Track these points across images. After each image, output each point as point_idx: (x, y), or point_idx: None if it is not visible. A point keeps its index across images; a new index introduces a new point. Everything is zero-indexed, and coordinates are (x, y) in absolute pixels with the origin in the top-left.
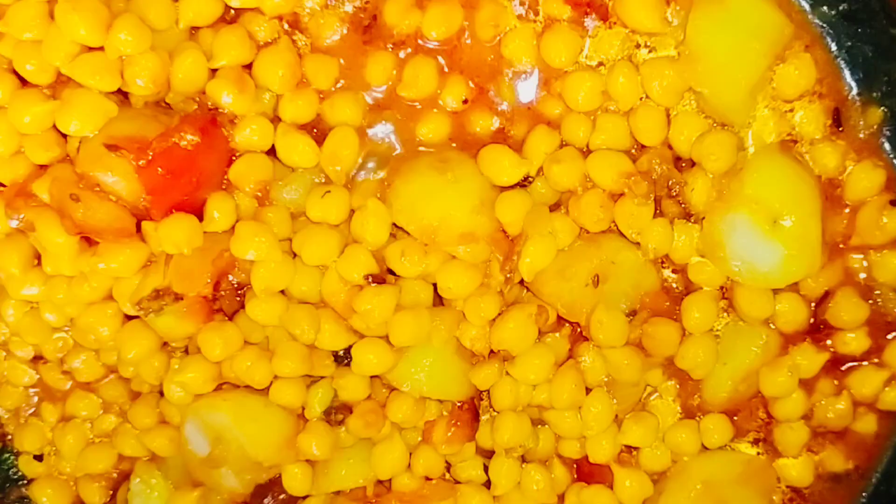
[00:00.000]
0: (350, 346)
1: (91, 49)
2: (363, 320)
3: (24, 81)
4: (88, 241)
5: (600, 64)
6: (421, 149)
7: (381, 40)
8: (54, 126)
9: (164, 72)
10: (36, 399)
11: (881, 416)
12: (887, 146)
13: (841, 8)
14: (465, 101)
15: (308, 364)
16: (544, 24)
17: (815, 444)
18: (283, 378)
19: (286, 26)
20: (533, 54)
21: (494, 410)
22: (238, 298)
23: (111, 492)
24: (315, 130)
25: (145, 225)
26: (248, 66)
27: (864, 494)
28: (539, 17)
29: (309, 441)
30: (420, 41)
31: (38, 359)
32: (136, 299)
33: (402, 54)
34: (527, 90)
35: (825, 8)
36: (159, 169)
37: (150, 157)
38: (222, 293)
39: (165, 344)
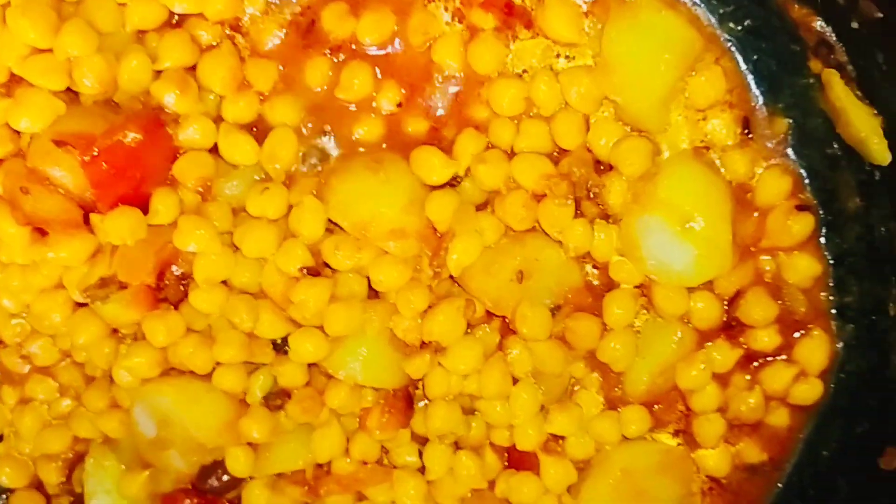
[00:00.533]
0: (288, 335)
1: (41, 51)
2: (299, 310)
3: None
4: (41, 231)
5: (524, 71)
6: (358, 149)
7: (318, 45)
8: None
9: (110, 72)
10: None
11: (793, 410)
12: (793, 154)
13: (746, 24)
14: (399, 105)
15: (247, 351)
16: (470, 32)
17: (731, 436)
18: (225, 364)
19: (228, 31)
20: (461, 61)
21: (428, 399)
22: (182, 288)
23: (67, 472)
24: (256, 130)
25: (93, 217)
26: (193, 69)
27: (778, 484)
28: (465, 26)
29: (250, 425)
30: (355, 46)
31: None
32: (83, 287)
33: (338, 59)
34: (456, 95)
35: (732, 24)
36: (104, 164)
37: (95, 153)
38: (166, 283)
39: (116, 331)
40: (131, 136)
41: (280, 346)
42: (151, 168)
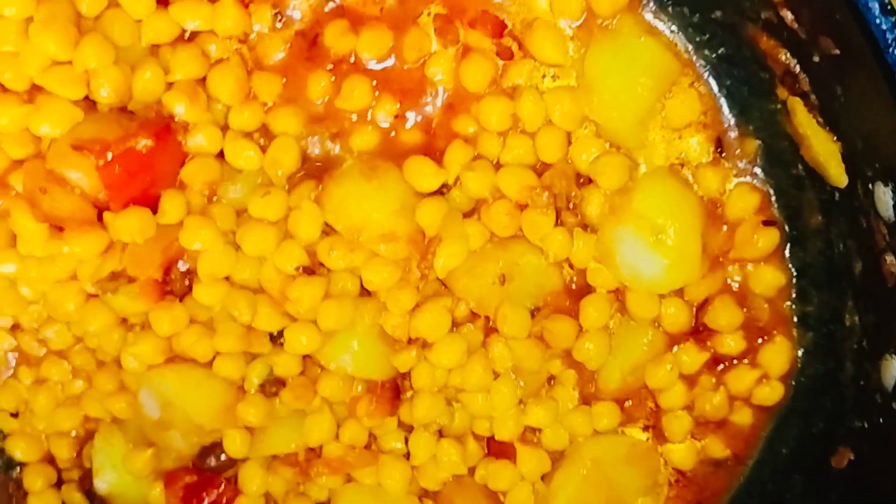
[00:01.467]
0: (284, 328)
1: (61, 63)
2: (295, 306)
3: (2, 87)
4: (58, 227)
5: (513, 88)
6: (354, 156)
7: (320, 59)
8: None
9: (125, 83)
10: (14, 363)
11: (755, 409)
12: (761, 173)
13: (720, 51)
14: (395, 117)
15: (246, 342)
16: (462, 51)
17: (697, 432)
18: (224, 354)
19: (236, 45)
20: (452, 78)
21: (414, 390)
22: (187, 282)
23: (78, 448)
24: (260, 138)
25: (106, 215)
26: (203, 80)
27: (740, 478)
28: (458, 45)
29: (247, 410)
30: (354, 61)
31: (15, 327)
32: (95, 279)
33: (339, 72)
34: (447, 108)
35: (707, 51)
36: (117, 168)
37: (109, 158)
38: (172, 277)
39: (125, 320)
40: (143, 143)
41: (276, 338)
42: (161, 172)
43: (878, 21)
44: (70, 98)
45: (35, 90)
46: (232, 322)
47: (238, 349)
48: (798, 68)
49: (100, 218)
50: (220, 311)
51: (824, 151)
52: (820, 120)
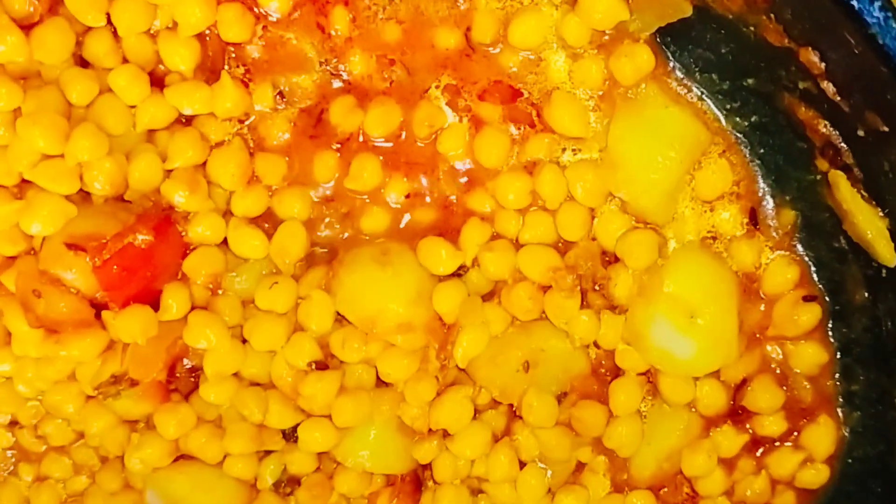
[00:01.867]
0: (297, 425)
1: (52, 156)
2: (308, 402)
3: None
4: (54, 330)
5: (533, 163)
6: (364, 239)
7: (326, 137)
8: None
9: (120, 174)
10: (14, 460)
11: (799, 493)
12: (800, 246)
13: (752, 119)
14: (407, 196)
15: (258, 441)
16: (475, 124)
17: None
18: (235, 454)
19: (237, 126)
20: (467, 152)
21: (436, 482)
22: (192, 379)
23: None
24: (265, 223)
25: (105, 314)
26: (203, 165)
27: None
28: (469, 116)
29: None
30: (362, 139)
31: (13, 423)
32: (94, 384)
33: (347, 150)
34: (461, 186)
35: (738, 119)
36: (115, 267)
37: (106, 257)
38: (178, 375)
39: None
40: (142, 238)
41: (290, 435)
42: (162, 266)
43: None
44: (62, 193)
45: (25, 184)
46: (242, 421)
47: (250, 450)
48: (840, 140)
49: (98, 315)
50: (228, 408)
51: (871, 228)
52: (865, 194)
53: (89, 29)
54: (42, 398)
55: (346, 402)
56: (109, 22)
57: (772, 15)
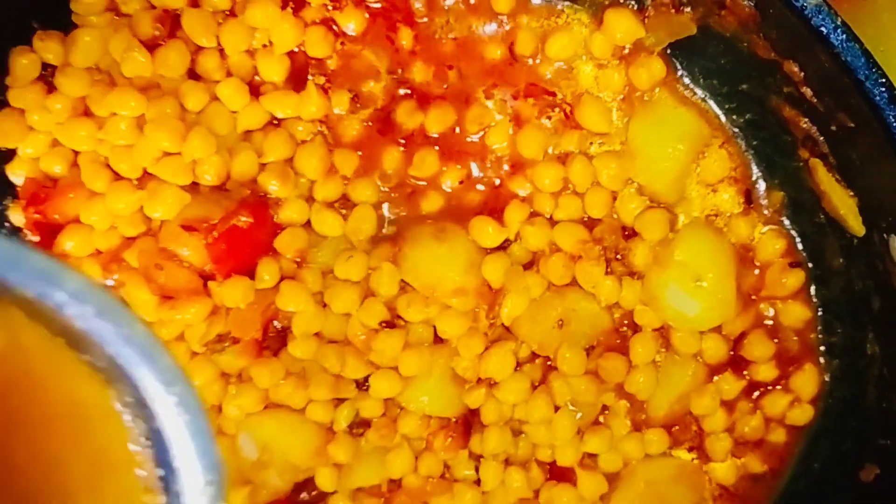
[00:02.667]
0: (368, 375)
1: (170, 154)
2: (378, 356)
3: (117, 175)
4: (166, 297)
5: (565, 154)
6: (424, 219)
7: (393, 134)
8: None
9: (224, 167)
10: None
11: (789, 429)
12: (787, 221)
13: (747, 117)
14: (460, 182)
15: (336, 390)
16: (515, 121)
17: (737, 451)
18: (316, 401)
19: (319, 126)
20: (510, 145)
21: (483, 424)
22: (281, 338)
23: None
24: (341, 207)
25: (211, 284)
26: (290, 160)
27: (778, 491)
28: (510, 115)
29: (336, 449)
30: (423, 135)
31: None
32: (203, 342)
33: (409, 144)
34: (505, 172)
35: (735, 116)
36: (222, 244)
37: (216, 236)
38: (269, 335)
39: (223, 374)
40: (244, 220)
41: (361, 384)
42: (258, 243)
43: (886, 109)
44: (179, 184)
45: (144, 178)
46: (323, 373)
47: (330, 397)
48: (818, 134)
49: (205, 285)
50: (311, 362)
51: (843, 205)
52: (838, 178)
53: (201, 49)
54: None
55: (411, 355)
56: (217, 43)
57: (761, 34)
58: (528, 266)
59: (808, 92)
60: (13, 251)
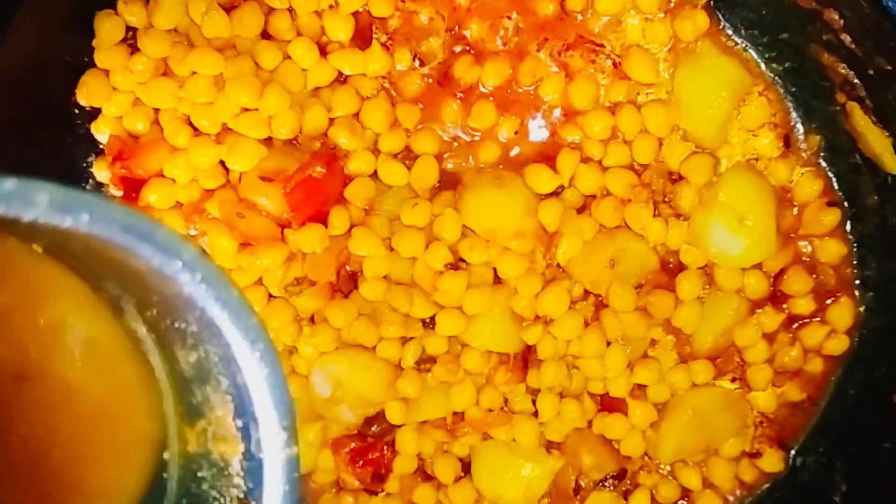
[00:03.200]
0: (434, 315)
1: (248, 109)
2: (444, 297)
3: (196, 131)
4: (244, 244)
5: (615, 104)
6: (481, 168)
7: (451, 88)
8: (220, 162)
9: (298, 123)
10: None
11: (826, 359)
12: (824, 163)
13: (786, 65)
14: (515, 133)
15: (404, 328)
16: (569, 74)
17: (777, 380)
18: (386, 339)
19: (383, 82)
20: (562, 97)
21: (540, 359)
22: (352, 281)
23: None
24: (405, 158)
25: (287, 232)
26: (356, 114)
27: (815, 418)
28: (563, 67)
29: (405, 384)
30: (480, 88)
31: None
32: (283, 285)
33: (467, 97)
34: (558, 121)
35: (775, 65)
36: (299, 194)
37: (293, 185)
38: (342, 278)
39: (297, 316)
40: (318, 171)
41: (427, 323)
42: (330, 192)
43: None
44: (257, 138)
45: (223, 133)
46: (393, 312)
47: (399, 335)
48: (855, 78)
49: (280, 234)
50: (381, 303)
51: (879, 145)
52: (874, 119)
53: (273, 10)
54: None
55: (473, 294)
56: (288, 4)
57: None
58: (581, 210)
59: (846, 38)
60: (109, 208)
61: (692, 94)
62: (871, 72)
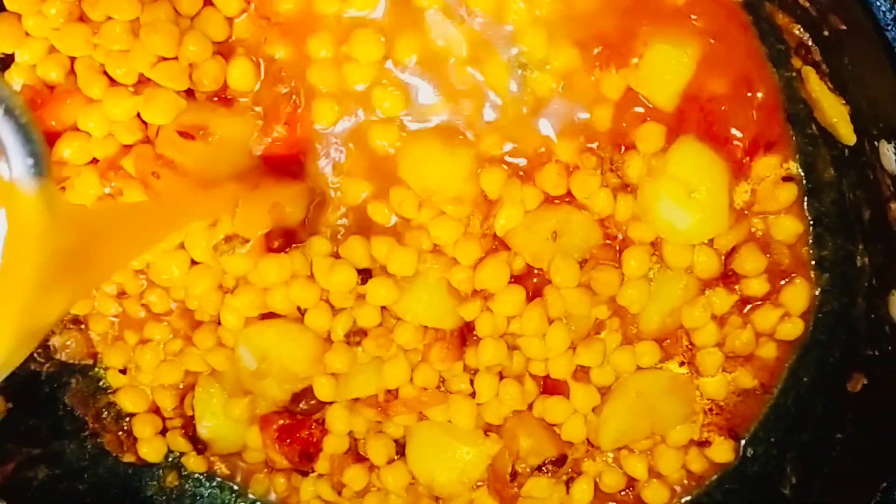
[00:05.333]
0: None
1: (166, 59)
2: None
3: (112, 81)
4: None
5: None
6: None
7: None
8: (137, 115)
9: (222, 73)
10: (119, 326)
11: (779, 344)
12: None
13: None
14: None
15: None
16: None
17: (728, 365)
18: (314, 308)
19: None
20: None
21: (478, 337)
22: (287, 243)
23: (180, 399)
24: None
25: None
26: None
27: (767, 405)
28: None
29: (334, 358)
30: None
31: (121, 294)
32: (212, 244)
33: None
34: None
35: None
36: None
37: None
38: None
39: (222, 285)
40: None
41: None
42: None
43: (878, 4)
44: (176, 89)
45: (140, 84)
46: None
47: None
48: (810, 41)
49: None
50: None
51: (835, 114)
52: (830, 86)
53: None
54: (151, 269)
55: (404, 252)
56: None
57: None
58: (526, 180)
59: None
60: None
61: (652, 57)
62: (826, 33)
